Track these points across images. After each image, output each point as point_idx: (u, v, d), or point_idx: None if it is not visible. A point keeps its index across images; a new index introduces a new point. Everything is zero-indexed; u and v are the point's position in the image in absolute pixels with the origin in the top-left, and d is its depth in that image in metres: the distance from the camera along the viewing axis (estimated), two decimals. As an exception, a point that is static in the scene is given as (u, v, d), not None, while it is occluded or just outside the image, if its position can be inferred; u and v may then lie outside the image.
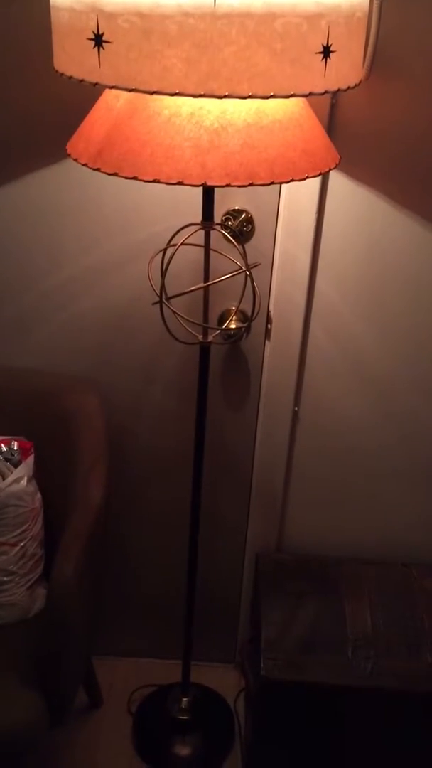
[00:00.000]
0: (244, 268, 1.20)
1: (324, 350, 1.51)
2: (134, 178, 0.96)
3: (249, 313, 1.48)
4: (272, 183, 0.98)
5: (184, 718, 1.68)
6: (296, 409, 1.57)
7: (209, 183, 0.96)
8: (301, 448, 1.62)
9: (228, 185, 0.96)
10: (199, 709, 1.71)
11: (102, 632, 1.89)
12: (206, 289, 1.26)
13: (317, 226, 1.39)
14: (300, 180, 1.00)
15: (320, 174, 1.04)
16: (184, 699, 1.69)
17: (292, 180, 0.99)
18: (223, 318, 1.49)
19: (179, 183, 0.95)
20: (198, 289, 1.28)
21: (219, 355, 1.53)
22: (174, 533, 1.71)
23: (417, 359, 1.51)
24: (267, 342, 1.53)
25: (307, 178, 1.01)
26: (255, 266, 1.39)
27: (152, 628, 1.89)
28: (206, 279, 1.23)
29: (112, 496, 1.67)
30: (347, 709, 1.38)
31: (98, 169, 0.99)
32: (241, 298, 1.35)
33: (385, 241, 1.39)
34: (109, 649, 1.91)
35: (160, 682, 1.81)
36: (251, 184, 0.96)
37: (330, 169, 1.07)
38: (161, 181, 0.96)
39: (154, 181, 0.96)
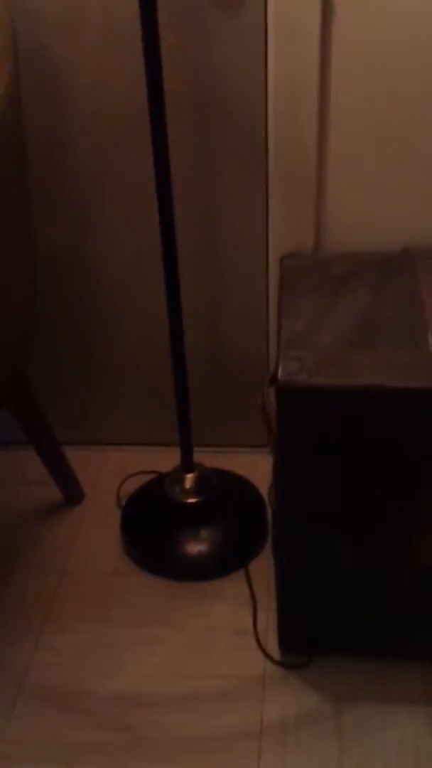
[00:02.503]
0: None
1: None
2: None
3: None
4: None
5: (191, 501, 1.18)
6: None
7: None
8: (339, 66, 1.03)
9: None
10: (212, 492, 1.20)
11: (84, 417, 1.40)
12: None
13: None
14: None
15: None
16: (189, 476, 1.19)
17: None
18: None
19: None
20: None
21: None
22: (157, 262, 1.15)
23: None
24: None
25: None
26: None
27: (152, 408, 1.38)
28: None
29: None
30: (422, 426, 0.83)
31: None
32: None
33: None
34: (94, 437, 1.42)
35: (162, 470, 1.31)
36: None
37: None
38: None
39: None
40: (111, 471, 1.36)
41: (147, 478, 1.31)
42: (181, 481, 1.18)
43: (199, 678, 1.02)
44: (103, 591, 1.14)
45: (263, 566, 1.17)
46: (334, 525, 0.90)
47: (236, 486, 1.28)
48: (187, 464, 1.18)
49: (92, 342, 1.32)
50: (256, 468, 1.33)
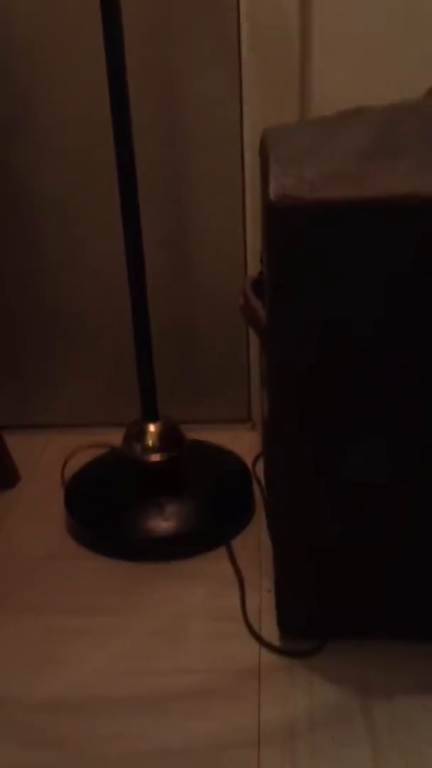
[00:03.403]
0: None
1: None
2: None
3: None
4: None
5: (156, 459, 0.92)
6: None
7: None
8: None
9: None
10: (182, 450, 0.94)
11: (23, 397, 1.15)
12: None
13: None
14: None
15: None
16: (152, 428, 0.93)
17: None
18: None
19: None
20: None
21: None
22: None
23: None
24: None
25: None
26: None
27: (104, 381, 1.14)
28: None
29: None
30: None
31: None
32: None
33: None
34: (34, 419, 1.16)
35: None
36: None
37: None
38: None
39: None
40: (55, 453, 1.09)
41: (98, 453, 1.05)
42: (143, 435, 0.92)
43: (167, 674, 0.73)
44: (37, 577, 0.86)
45: (249, 544, 0.90)
46: (358, 431, 0.65)
47: (213, 453, 1.02)
48: (149, 412, 0.92)
49: (33, 304, 1.09)
50: (237, 443, 1.08)
